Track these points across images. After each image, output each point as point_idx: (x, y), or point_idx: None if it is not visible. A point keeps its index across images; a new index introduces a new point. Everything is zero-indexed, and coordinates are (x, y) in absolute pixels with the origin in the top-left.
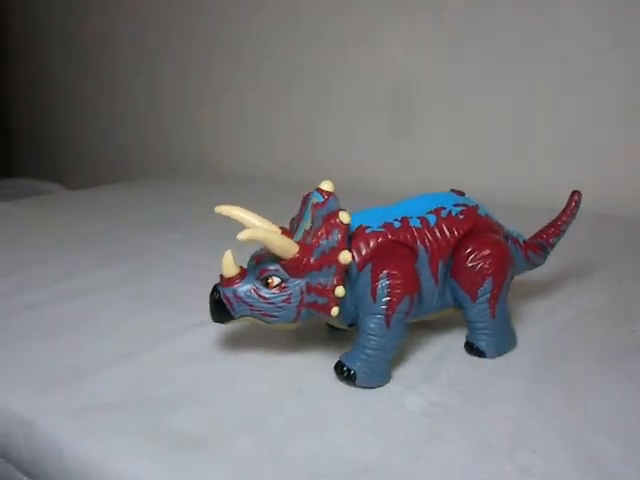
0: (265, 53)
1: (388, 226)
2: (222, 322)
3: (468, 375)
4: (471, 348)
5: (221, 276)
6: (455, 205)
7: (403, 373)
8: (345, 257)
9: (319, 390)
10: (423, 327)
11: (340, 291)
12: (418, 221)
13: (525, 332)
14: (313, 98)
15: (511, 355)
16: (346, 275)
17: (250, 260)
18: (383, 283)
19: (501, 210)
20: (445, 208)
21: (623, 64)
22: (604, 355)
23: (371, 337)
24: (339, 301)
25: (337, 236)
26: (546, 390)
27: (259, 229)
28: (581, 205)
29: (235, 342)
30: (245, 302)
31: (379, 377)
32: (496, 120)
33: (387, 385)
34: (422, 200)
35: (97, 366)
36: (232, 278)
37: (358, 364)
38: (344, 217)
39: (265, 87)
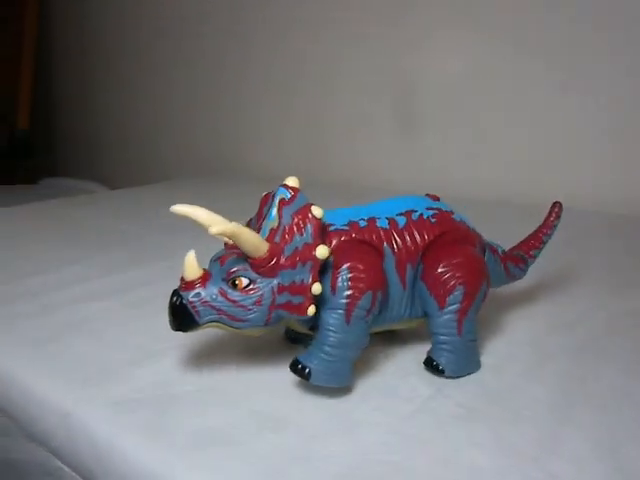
0: (301, 54)
1: (353, 225)
2: (184, 330)
3: (497, 380)
4: (430, 364)
5: (182, 279)
6: (428, 209)
7: (432, 376)
8: (322, 252)
9: (346, 390)
10: None
11: (317, 288)
12: (386, 222)
13: (554, 339)
14: (351, 100)
15: (541, 361)
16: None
17: (212, 262)
18: (344, 276)
19: (502, 210)
20: (416, 211)
21: (624, 64)
22: (635, 362)
23: (330, 333)
24: (315, 299)
25: (311, 231)
26: (576, 397)
27: (231, 223)
28: (605, 206)
29: (260, 340)
30: (212, 306)
31: (337, 377)
32: (498, 121)
33: (415, 387)
34: (393, 202)
35: (133, 361)
36: (194, 281)
37: (315, 362)
38: (317, 211)
39: (302, 89)
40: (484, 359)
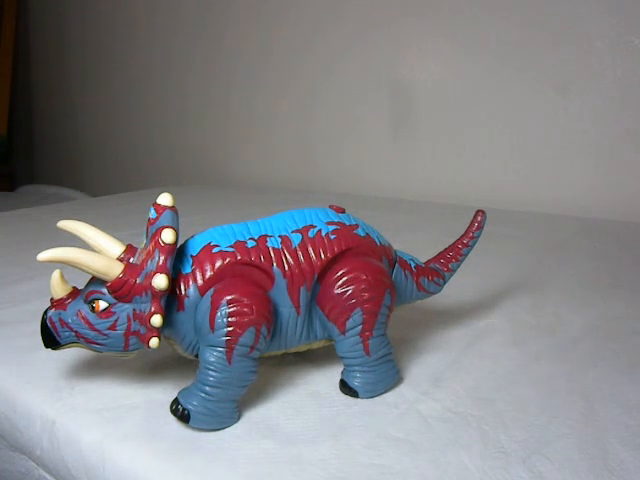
0: (290, 62)
1: (239, 245)
2: (52, 348)
3: (484, 382)
4: (344, 385)
5: (51, 298)
6: (328, 223)
7: (418, 379)
8: (158, 282)
9: (334, 395)
10: (440, 329)
11: (156, 320)
12: (279, 241)
13: (542, 341)
14: (340, 108)
15: (527, 364)
16: (187, 300)
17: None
18: (223, 311)
19: (499, 214)
20: (315, 227)
21: (624, 64)
22: (622, 364)
23: (210, 372)
24: (158, 332)
25: (157, 257)
26: (563, 399)
27: (65, 249)
28: (587, 211)
29: None
30: (70, 328)
31: (219, 419)
32: (496, 123)
33: (402, 391)
34: (290, 216)
35: (117, 367)
36: (61, 300)
37: (194, 403)
38: (166, 236)
39: (292, 96)
40: (470, 362)
